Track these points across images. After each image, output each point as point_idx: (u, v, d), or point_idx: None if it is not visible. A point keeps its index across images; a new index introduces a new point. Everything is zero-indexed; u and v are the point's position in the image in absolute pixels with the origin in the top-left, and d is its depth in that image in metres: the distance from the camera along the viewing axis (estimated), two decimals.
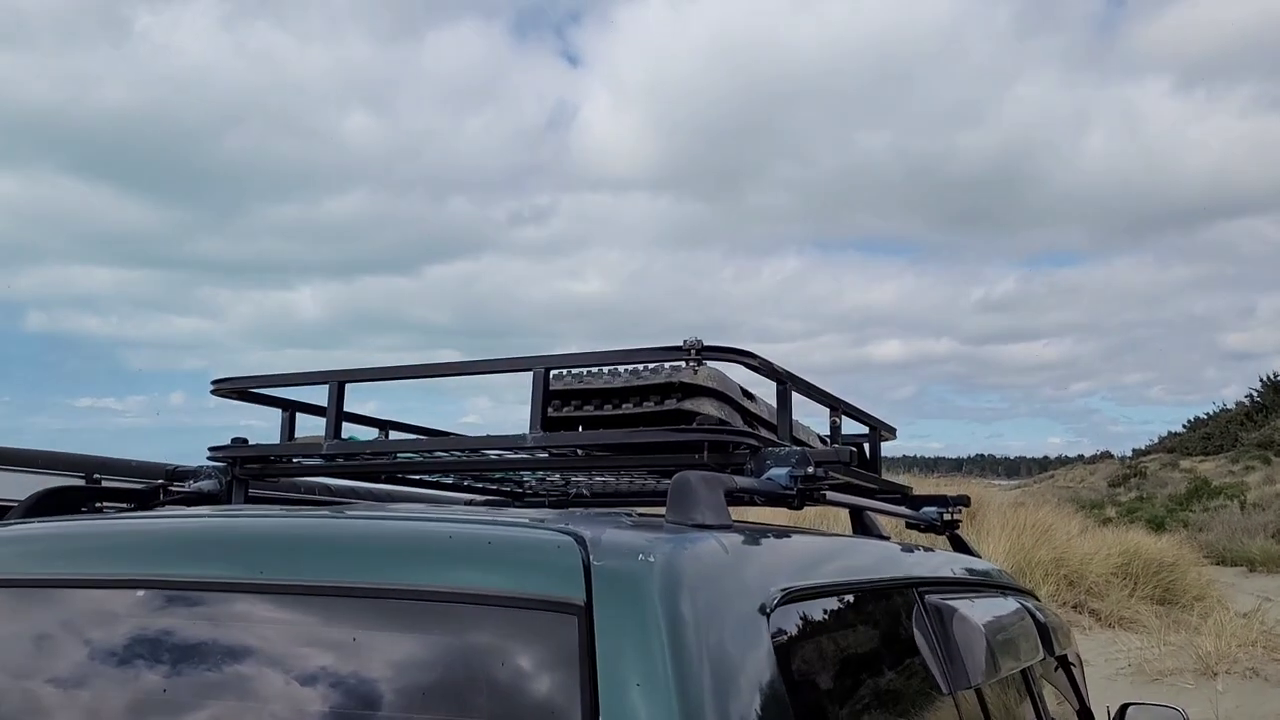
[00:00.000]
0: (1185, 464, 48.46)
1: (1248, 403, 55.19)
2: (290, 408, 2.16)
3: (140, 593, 1.30)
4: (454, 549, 1.23)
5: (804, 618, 1.39)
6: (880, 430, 2.43)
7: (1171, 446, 59.12)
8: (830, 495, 1.81)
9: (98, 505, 1.86)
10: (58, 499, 1.77)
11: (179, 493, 1.99)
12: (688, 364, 1.74)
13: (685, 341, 1.69)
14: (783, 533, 1.54)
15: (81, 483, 1.91)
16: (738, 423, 1.84)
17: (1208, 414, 60.42)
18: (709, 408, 1.79)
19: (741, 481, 1.51)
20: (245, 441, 2.03)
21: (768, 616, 1.26)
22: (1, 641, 1.38)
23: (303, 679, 1.18)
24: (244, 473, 2.05)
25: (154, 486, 1.99)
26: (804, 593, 1.40)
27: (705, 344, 1.70)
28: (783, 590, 1.33)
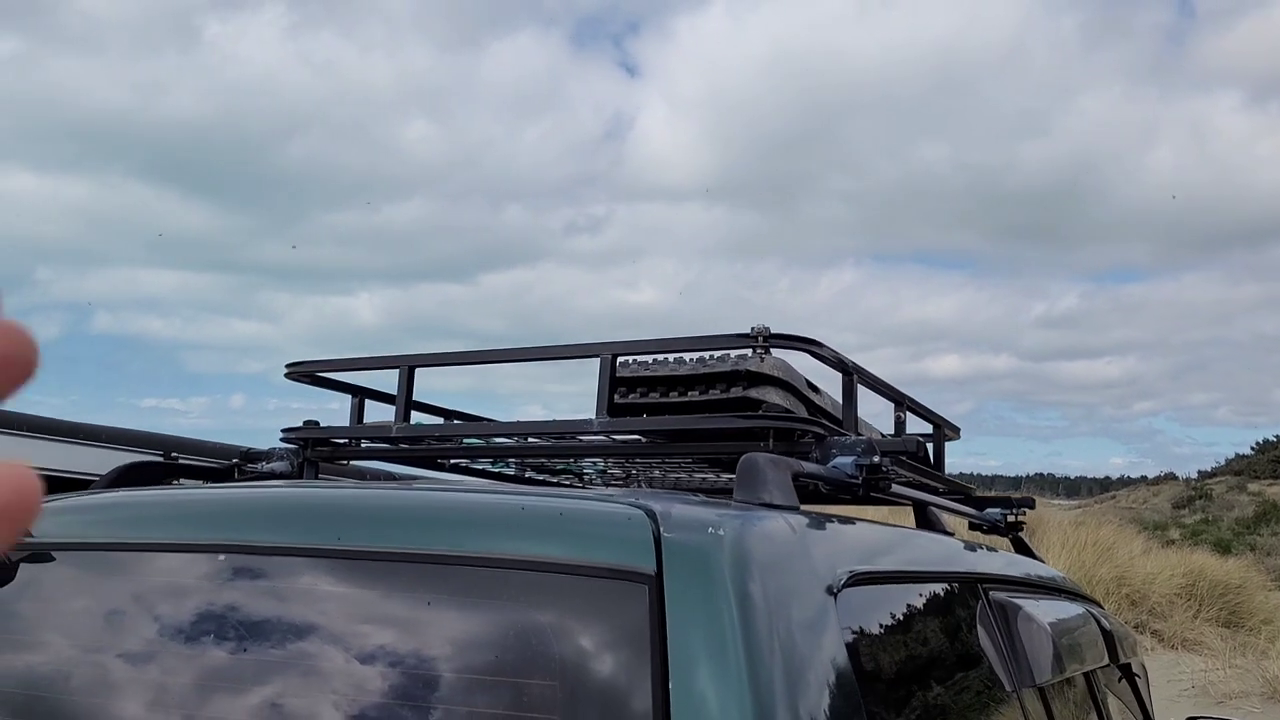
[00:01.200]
0: (1253, 487, 47.15)
1: None
2: (360, 394, 2.21)
3: (221, 557, 1.34)
4: (526, 520, 1.26)
5: (870, 601, 1.39)
6: (945, 429, 2.42)
7: (1239, 469, 57.56)
8: (895, 489, 1.80)
9: (176, 480, 1.92)
10: (139, 473, 1.83)
11: (253, 472, 2.05)
12: (754, 352, 1.75)
13: (753, 329, 1.70)
14: (849, 520, 1.54)
15: (160, 460, 1.97)
16: (802, 413, 1.85)
17: (1277, 436, 58.77)
18: (774, 396, 1.80)
19: (808, 466, 1.51)
20: (317, 424, 2.08)
21: (834, 596, 1.26)
22: (88, 605, 1.43)
23: (377, 643, 1.21)
24: (315, 455, 2.10)
25: (229, 465, 2.04)
26: (871, 577, 1.40)
27: (772, 332, 1.71)
28: (850, 573, 1.33)
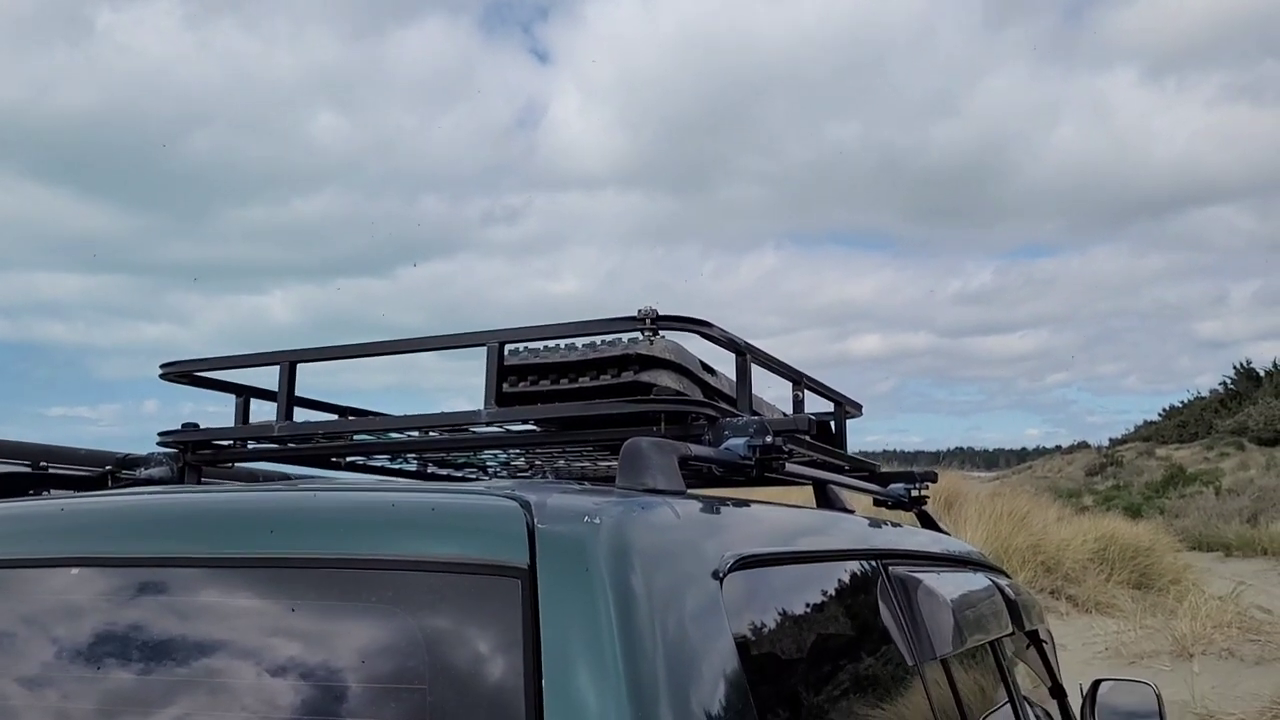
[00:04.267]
0: (1161, 452, 48.87)
1: (1222, 390, 55.72)
2: (244, 393, 2.12)
3: (80, 570, 1.27)
4: (397, 517, 1.20)
5: (759, 586, 1.37)
6: (845, 406, 2.41)
7: (1147, 435, 59.62)
8: (791, 468, 1.78)
9: (46, 492, 1.81)
10: (3, 485, 1.73)
11: (128, 479, 1.95)
12: (644, 335, 1.71)
13: (640, 311, 1.66)
14: (740, 502, 1.51)
15: (28, 470, 1.86)
16: (697, 395, 1.82)
17: (1182, 402, 60.97)
18: (667, 380, 1.76)
19: (696, 449, 1.48)
20: (196, 426, 1.99)
21: (720, 582, 1.23)
22: None
23: (246, 651, 1.15)
24: (196, 458, 2.01)
25: (102, 473, 1.94)
26: (760, 559, 1.37)
27: (660, 314, 1.68)
28: (737, 556, 1.30)
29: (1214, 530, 22.83)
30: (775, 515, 1.59)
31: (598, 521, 1.13)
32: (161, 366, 1.98)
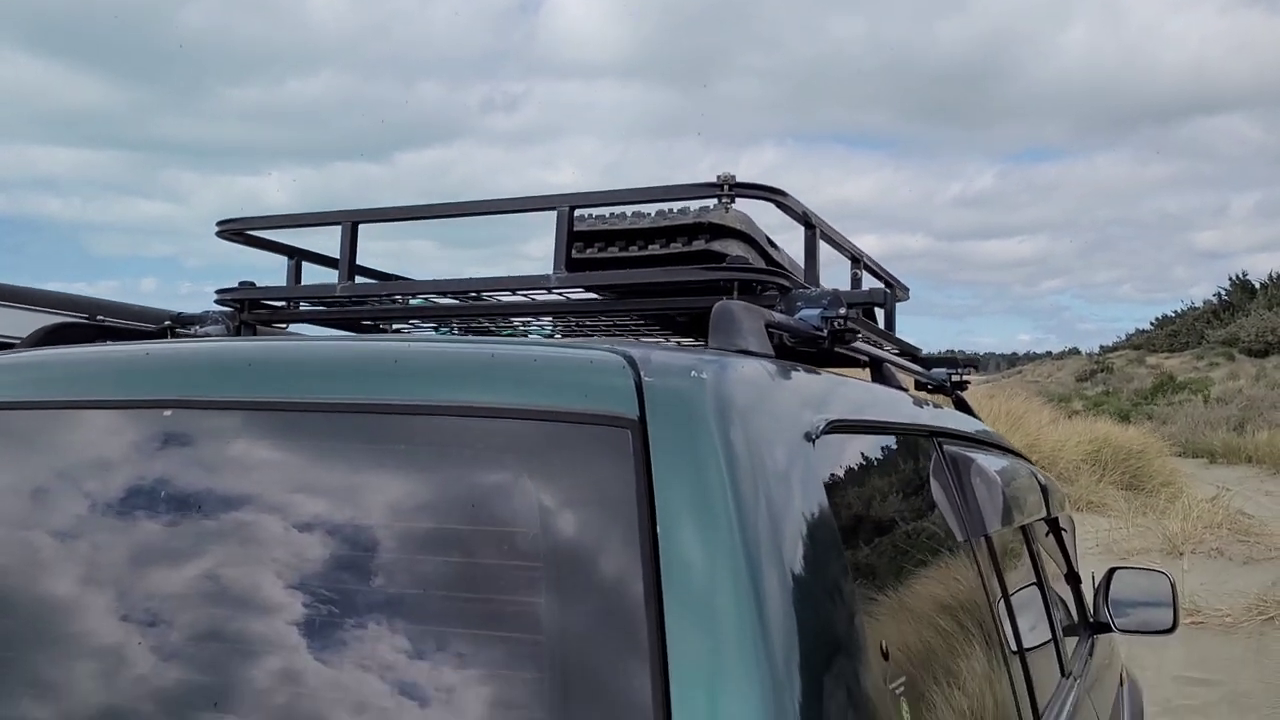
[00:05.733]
0: (1151, 360, 49.24)
1: (1215, 301, 55.84)
2: (297, 255, 2.10)
3: (168, 414, 1.26)
4: (499, 366, 1.20)
5: (844, 450, 1.38)
6: (896, 290, 2.41)
7: (1139, 344, 59.94)
8: (856, 345, 1.78)
9: (105, 343, 1.81)
10: (65, 334, 1.72)
11: (185, 336, 1.94)
12: (719, 202, 1.69)
13: (719, 176, 1.64)
14: (814, 370, 1.52)
15: (86, 321, 1.85)
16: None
17: (1176, 312, 61.16)
18: (737, 250, 1.75)
19: (778, 317, 1.48)
20: (253, 285, 1.98)
21: (813, 443, 1.24)
22: (21, 466, 1.34)
23: (348, 499, 1.16)
24: (252, 317, 2.00)
25: (162, 328, 1.93)
26: (845, 426, 1.39)
27: (738, 180, 1.65)
28: (827, 420, 1.31)
29: (1201, 437, 23.16)
30: (851, 386, 1.60)
31: (704, 376, 1.13)
32: (218, 224, 1.96)
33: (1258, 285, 52.61)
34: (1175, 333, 56.37)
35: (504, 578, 1.07)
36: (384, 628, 1.08)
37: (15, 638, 1.23)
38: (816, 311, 1.60)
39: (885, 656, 1.20)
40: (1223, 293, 55.73)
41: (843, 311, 1.60)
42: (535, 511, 1.08)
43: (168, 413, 1.27)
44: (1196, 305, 58.81)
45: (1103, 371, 47.95)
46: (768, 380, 1.25)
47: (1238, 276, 55.17)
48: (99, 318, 1.88)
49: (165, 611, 1.16)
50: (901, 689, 1.23)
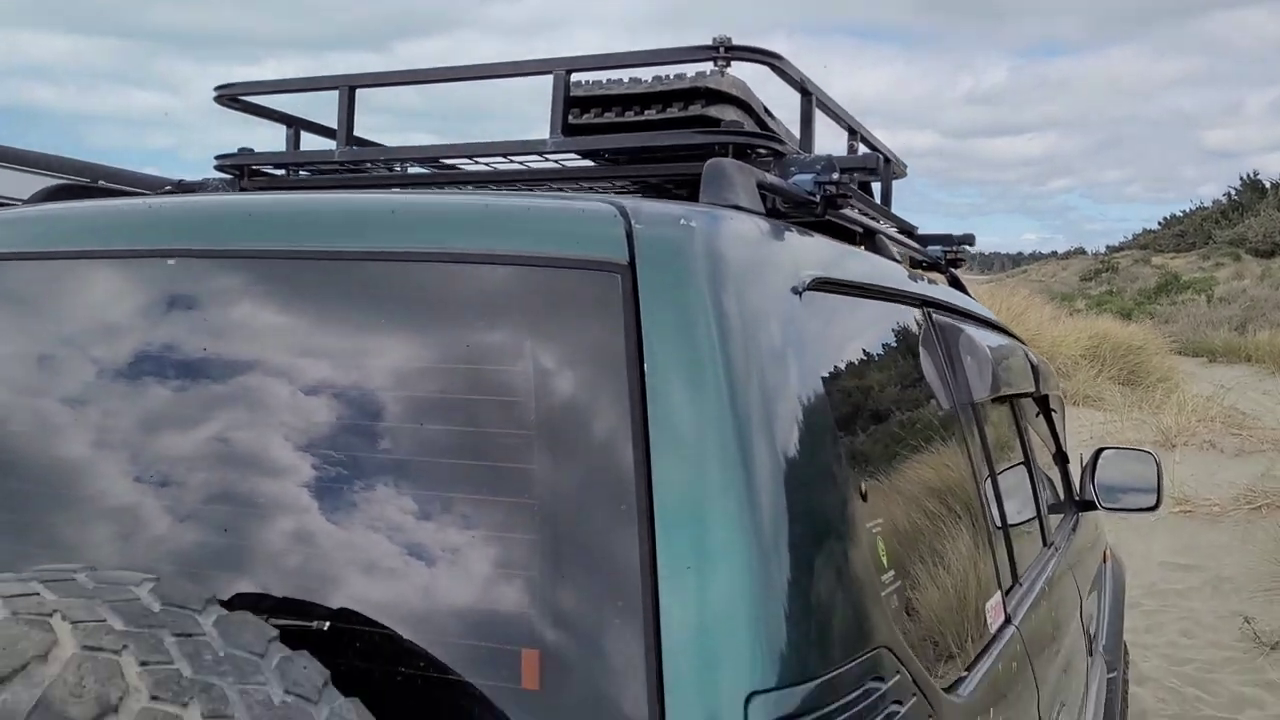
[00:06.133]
0: (1157, 260, 49.00)
1: (1224, 201, 55.27)
2: (295, 124, 2.10)
3: (178, 261, 1.30)
4: (493, 215, 1.23)
5: (831, 308, 1.41)
6: (893, 164, 2.41)
7: (1145, 244, 59.61)
8: (849, 213, 1.80)
9: None
10: (66, 195, 1.74)
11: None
12: (715, 65, 1.69)
13: (714, 39, 1.63)
14: (807, 231, 1.54)
15: (88, 184, 1.87)
16: None
17: (1184, 212, 60.64)
18: (732, 115, 1.75)
19: (770, 178, 1.49)
20: (252, 151, 1.99)
21: (800, 295, 1.28)
22: (31, 316, 1.38)
23: (348, 344, 1.20)
24: (251, 185, 2.01)
25: (163, 192, 1.95)
26: (832, 284, 1.42)
27: (734, 43, 1.65)
28: (814, 276, 1.34)
29: (1202, 336, 23.22)
30: (840, 248, 1.62)
31: (693, 225, 1.16)
32: (216, 88, 1.96)
33: (1268, 185, 51.99)
34: (1183, 233, 56.00)
35: (499, 414, 1.12)
36: (384, 460, 1.14)
37: (13, 467, 1.29)
38: (810, 176, 1.62)
39: (864, 498, 1.26)
40: (1232, 192, 55.11)
41: (836, 176, 1.61)
42: (529, 353, 1.12)
43: (171, 261, 1.30)
44: (1205, 205, 58.26)
45: (1107, 271, 47.78)
46: (757, 234, 1.28)
47: (1248, 176, 54.50)
48: (100, 182, 1.89)
49: (170, 448, 1.22)
50: (878, 529, 1.28)
